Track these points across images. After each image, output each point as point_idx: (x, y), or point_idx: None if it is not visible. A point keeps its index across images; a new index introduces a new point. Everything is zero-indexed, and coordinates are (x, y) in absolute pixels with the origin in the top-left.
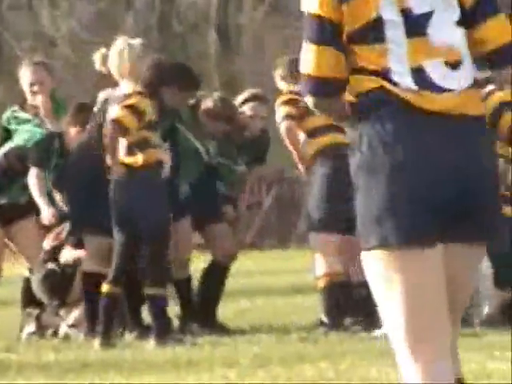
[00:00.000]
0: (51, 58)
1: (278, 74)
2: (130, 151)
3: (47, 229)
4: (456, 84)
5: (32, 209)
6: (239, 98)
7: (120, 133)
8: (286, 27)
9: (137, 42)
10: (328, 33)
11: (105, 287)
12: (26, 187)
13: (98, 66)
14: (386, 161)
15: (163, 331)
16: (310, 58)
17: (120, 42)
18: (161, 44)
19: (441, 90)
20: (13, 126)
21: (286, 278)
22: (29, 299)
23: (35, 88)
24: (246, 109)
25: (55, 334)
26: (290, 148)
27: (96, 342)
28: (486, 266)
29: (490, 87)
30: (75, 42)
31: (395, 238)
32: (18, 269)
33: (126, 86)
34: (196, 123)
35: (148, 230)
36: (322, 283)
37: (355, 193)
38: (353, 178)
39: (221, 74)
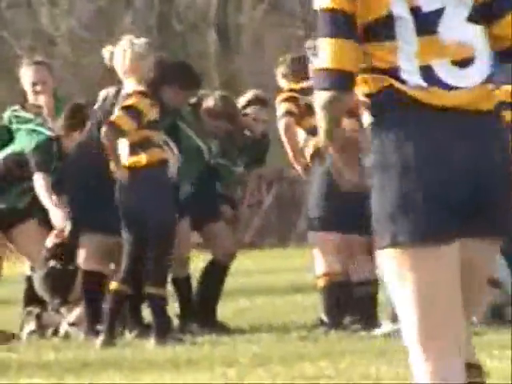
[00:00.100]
0: (50, 57)
1: (280, 72)
2: (133, 151)
3: (49, 228)
4: (465, 82)
5: (31, 212)
6: (242, 100)
7: (115, 135)
8: (285, 26)
9: (141, 41)
10: (342, 24)
11: (113, 285)
12: (24, 192)
13: (107, 61)
14: (398, 159)
15: (163, 330)
16: (326, 52)
17: (124, 41)
18: (160, 43)
19: (449, 87)
20: (15, 126)
21: (286, 276)
22: (31, 298)
23: (38, 88)
24: (249, 111)
25: (55, 332)
26: (286, 145)
27: (98, 341)
28: None
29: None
30: (75, 41)
31: (409, 236)
32: (20, 268)
33: (129, 86)
34: (198, 122)
35: (153, 230)
36: (321, 283)
37: (371, 192)
38: (368, 177)
39: (220, 74)
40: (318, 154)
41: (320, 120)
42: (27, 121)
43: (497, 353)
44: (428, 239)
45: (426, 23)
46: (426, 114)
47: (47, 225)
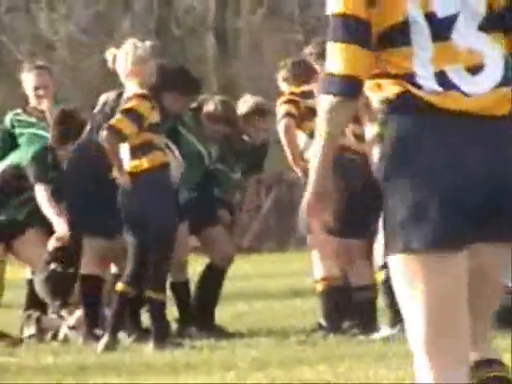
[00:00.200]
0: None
1: (281, 76)
2: (134, 155)
3: (49, 234)
4: (477, 88)
5: (30, 223)
6: (242, 107)
7: (116, 139)
8: (283, 31)
9: (145, 44)
10: (354, 31)
11: (119, 286)
12: (23, 204)
13: (110, 64)
14: (414, 164)
15: (162, 335)
16: (336, 57)
17: (128, 44)
18: (159, 48)
19: (464, 93)
20: (18, 130)
21: (285, 281)
22: (32, 301)
23: (40, 92)
24: (250, 120)
25: (55, 336)
26: (286, 147)
27: (101, 343)
28: None
29: None
30: (73, 45)
31: (423, 243)
32: (23, 273)
33: (130, 89)
34: (198, 127)
35: (154, 234)
36: (320, 287)
37: (383, 197)
38: (380, 182)
39: (219, 78)
40: None
41: (321, 123)
42: (30, 125)
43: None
44: (443, 246)
45: (441, 29)
46: (441, 119)
47: (48, 232)
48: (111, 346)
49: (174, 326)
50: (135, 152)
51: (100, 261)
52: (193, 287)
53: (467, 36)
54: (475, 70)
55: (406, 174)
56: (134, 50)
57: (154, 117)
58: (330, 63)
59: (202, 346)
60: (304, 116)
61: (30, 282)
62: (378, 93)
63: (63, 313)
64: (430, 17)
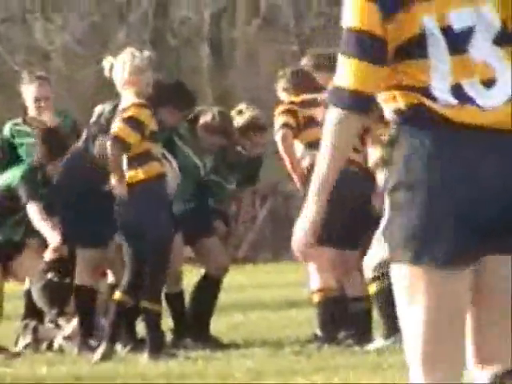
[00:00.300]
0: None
1: (280, 85)
2: (131, 165)
3: (46, 247)
4: (492, 101)
5: (26, 243)
6: (239, 121)
7: (121, 149)
8: (279, 41)
9: (143, 54)
10: (369, 47)
11: (116, 295)
12: (18, 224)
13: (106, 72)
14: (427, 177)
15: (157, 345)
16: (347, 72)
17: (126, 54)
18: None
19: (479, 106)
20: (17, 140)
21: (280, 291)
22: (30, 311)
23: (41, 103)
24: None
25: (50, 346)
26: (284, 157)
27: (98, 352)
28: None
29: None
30: (68, 56)
31: (430, 258)
32: (22, 284)
33: (127, 99)
34: (194, 138)
35: (151, 245)
36: (316, 298)
37: (389, 209)
38: (388, 194)
39: (214, 88)
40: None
41: (326, 135)
42: (29, 135)
43: None
44: (452, 264)
45: (457, 42)
46: (456, 132)
47: (44, 246)
48: (108, 355)
49: (168, 336)
50: (132, 162)
51: (93, 271)
52: (187, 298)
53: (483, 49)
54: (489, 83)
55: (418, 187)
56: (131, 59)
57: (154, 125)
58: (340, 77)
59: (197, 356)
60: (302, 126)
61: (28, 293)
62: (392, 104)
63: (61, 321)
64: (446, 30)
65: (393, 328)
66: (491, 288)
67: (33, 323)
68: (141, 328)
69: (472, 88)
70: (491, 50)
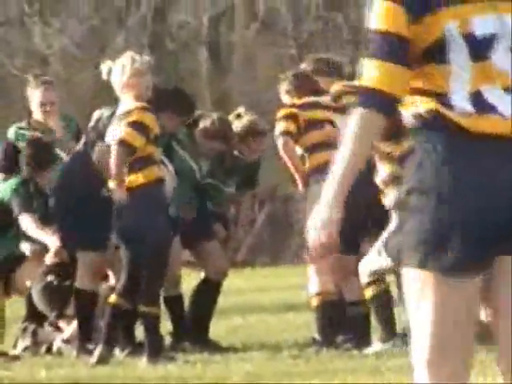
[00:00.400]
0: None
1: (283, 88)
2: (132, 169)
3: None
4: (510, 109)
5: (28, 254)
6: (237, 126)
7: (128, 153)
8: (277, 45)
9: (143, 58)
10: (396, 49)
11: (112, 298)
12: (17, 237)
13: (104, 76)
14: (436, 184)
15: (155, 349)
16: (373, 73)
17: (125, 57)
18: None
19: (500, 114)
20: (21, 144)
21: (278, 295)
22: (31, 314)
23: (47, 108)
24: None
25: (49, 349)
26: (288, 164)
27: (94, 355)
28: None
29: None
30: (67, 60)
31: (439, 264)
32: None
33: (126, 102)
34: (192, 143)
35: (149, 248)
36: (315, 302)
37: (401, 213)
38: (401, 198)
39: (212, 92)
40: (314, 171)
41: (348, 135)
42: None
43: (489, 371)
44: (461, 272)
45: (480, 49)
46: (471, 140)
47: (45, 250)
48: (105, 358)
49: (167, 340)
50: (133, 166)
51: (94, 275)
52: (186, 301)
53: (504, 57)
54: (509, 90)
55: (430, 193)
56: (131, 62)
57: (157, 129)
58: (366, 77)
59: (196, 360)
60: (303, 130)
61: (30, 296)
62: (412, 108)
63: (61, 323)
64: (468, 36)
65: (390, 332)
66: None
67: (32, 326)
68: (139, 332)
69: (493, 95)
70: (508, 57)
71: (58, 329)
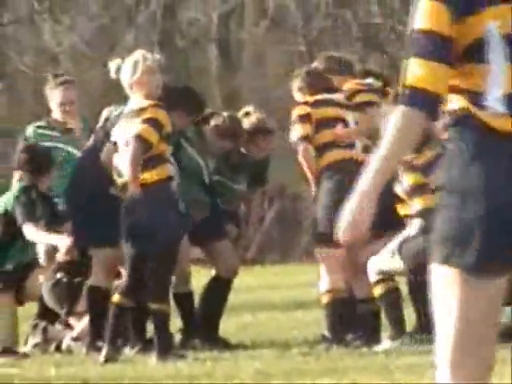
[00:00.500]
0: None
1: (295, 85)
2: (145, 166)
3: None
4: None
5: (36, 263)
6: (246, 124)
7: (145, 149)
8: (286, 43)
9: (155, 56)
10: (439, 47)
11: (115, 297)
12: (26, 247)
13: (112, 74)
14: (463, 183)
15: (165, 346)
16: (417, 72)
17: (136, 55)
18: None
19: None
20: (42, 144)
21: (288, 293)
22: (42, 311)
23: (67, 107)
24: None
25: (58, 348)
26: (306, 170)
27: (101, 355)
28: None
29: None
30: (77, 57)
31: (462, 262)
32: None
33: (136, 101)
34: (201, 141)
35: (160, 246)
36: (325, 299)
37: (437, 209)
38: (437, 194)
39: (222, 89)
40: (325, 170)
41: (389, 131)
42: (52, 138)
43: (496, 369)
44: (483, 271)
45: None
46: (499, 140)
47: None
48: (112, 356)
49: (177, 337)
50: (147, 163)
51: (108, 272)
52: (196, 299)
53: None
54: None
55: (455, 189)
56: (143, 59)
57: (169, 126)
58: (410, 76)
59: (205, 357)
60: (314, 129)
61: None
62: (448, 106)
63: (71, 321)
64: (508, 38)
65: (399, 330)
66: None
67: (43, 323)
68: (149, 329)
69: None
70: None
71: (68, 326)
